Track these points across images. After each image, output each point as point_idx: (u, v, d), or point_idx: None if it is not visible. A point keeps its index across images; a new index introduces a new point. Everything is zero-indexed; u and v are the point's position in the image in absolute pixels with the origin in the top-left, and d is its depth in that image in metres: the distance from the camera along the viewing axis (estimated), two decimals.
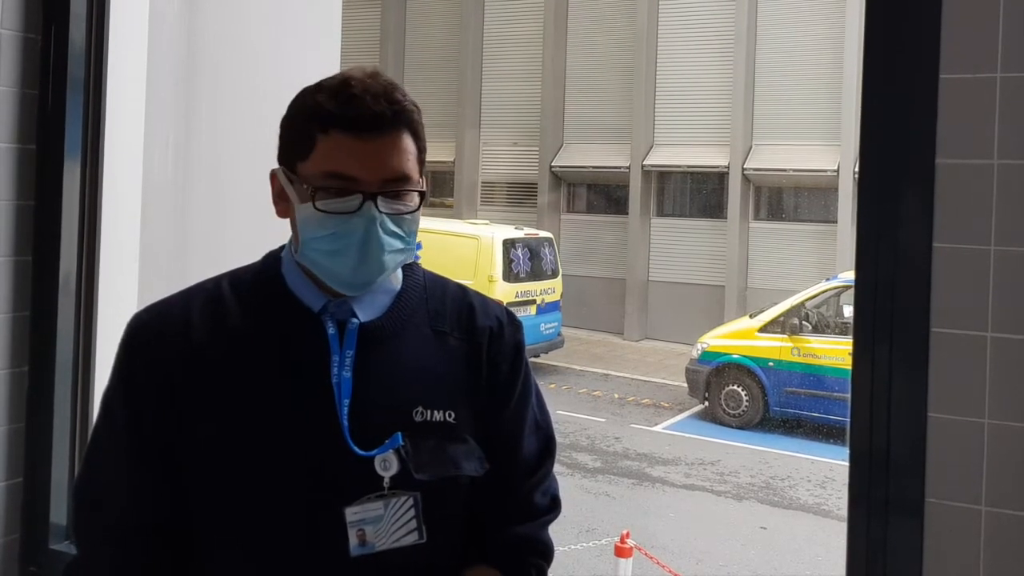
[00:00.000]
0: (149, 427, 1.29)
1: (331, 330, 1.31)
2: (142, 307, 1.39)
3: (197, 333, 1.31)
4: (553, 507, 1.47)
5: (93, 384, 2.18)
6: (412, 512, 1.29)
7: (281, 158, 1.34)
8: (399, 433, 1.29)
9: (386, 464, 1.28)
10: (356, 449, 1.27)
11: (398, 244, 1.30)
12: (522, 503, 1.44)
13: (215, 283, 1.37)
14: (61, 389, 2.15)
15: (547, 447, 1.47)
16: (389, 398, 1.31)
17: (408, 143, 1.30)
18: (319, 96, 1.28)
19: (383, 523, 1.28)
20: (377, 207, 1.26)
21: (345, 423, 1.27)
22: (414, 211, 1.31)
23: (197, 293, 1.36)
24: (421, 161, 1.33)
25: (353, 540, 1.27)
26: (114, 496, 1.31)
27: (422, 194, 1.32)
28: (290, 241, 1.37)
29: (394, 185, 1.28)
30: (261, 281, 1.36)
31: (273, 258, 1.39)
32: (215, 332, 1.31)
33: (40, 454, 2.13)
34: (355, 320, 1.32)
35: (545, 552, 1.45)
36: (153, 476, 1.29)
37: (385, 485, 1.28)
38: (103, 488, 1.32)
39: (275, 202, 1.35)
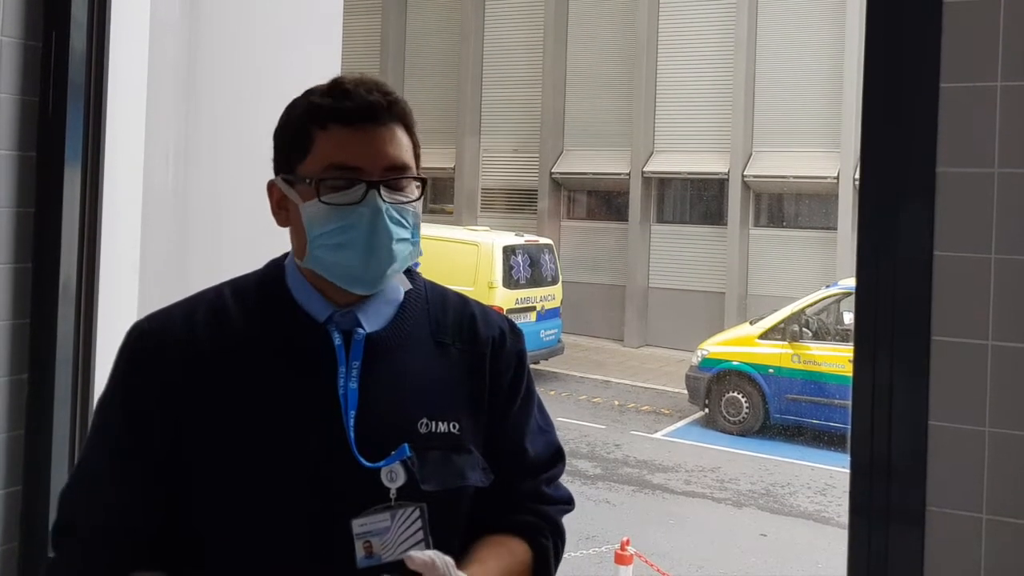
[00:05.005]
0: (147, 437, 1.29)
1: (337, 341, 1.30)
2: (142, 315, 1.38)
3: (201, 342, 1.30)
4: (568, 500, 1.47)
5: (93, 391, 2.17)
6: (419, 523, 1.29)
7: (278, 167, 1.35)
8: (406, 444, 1.28)
9: (393, 475, 1.27)
10: (363, 461, 1.26)
11: (404, 233, 1.31)
12: (533, 495, 1.43)
13: (217, 292, 1.37)
14: (61, 396, 2.14)
15: (557, 452, 1.47)
16: (394, 409, 1.31)
17: (403, 136, 1.33)
18: (311, 97, 1.32)
19: (390, 534, 1.27)
20: (380, 195, 1.27)
21: (352, 435, 1.27)
22: (416, 200, 1.33)
23: (199, 302, 1.35)
24: (417, 156, 1.35)
25: (360, 551, 1.26)
26: (103, 503, 1.29)
27: (423, 186, 1.34)
28: (293, 250, 1.37)
29: (395, 173, 1.30)
30: (265, 290, 1.36)
31: (276, 266, 1.39)
32: (219, 342, 1.31)
33: (39, 462, 2.12)
34: (361, 331, 1.32)
35: (560, 532, 1.44)
36: (146, 485, 1.28)
37: (392, 496, 1.28)
38: (93, 495, 1.30)
39: (275, 212, 1.36)
